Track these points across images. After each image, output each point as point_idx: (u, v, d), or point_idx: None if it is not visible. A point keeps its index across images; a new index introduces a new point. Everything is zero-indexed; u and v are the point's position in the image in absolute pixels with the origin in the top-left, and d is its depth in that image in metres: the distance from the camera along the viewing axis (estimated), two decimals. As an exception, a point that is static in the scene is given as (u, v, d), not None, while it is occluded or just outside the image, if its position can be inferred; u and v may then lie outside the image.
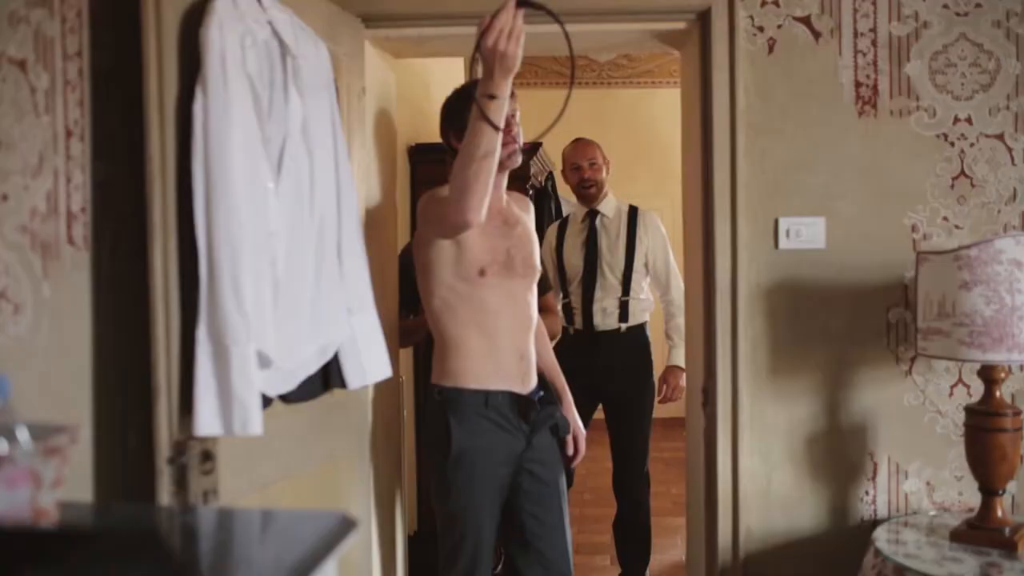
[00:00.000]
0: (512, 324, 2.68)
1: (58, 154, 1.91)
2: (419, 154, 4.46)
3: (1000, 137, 2.87)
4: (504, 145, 2.47)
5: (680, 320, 4.06)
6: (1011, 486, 2.68)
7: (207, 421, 1.99)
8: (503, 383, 2.66)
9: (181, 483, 1.99)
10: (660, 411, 4.31)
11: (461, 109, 2.61)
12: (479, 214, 2.39)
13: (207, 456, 2.06)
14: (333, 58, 2.53)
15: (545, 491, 2.75)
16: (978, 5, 2.85)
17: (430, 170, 4.29)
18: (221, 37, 2.02)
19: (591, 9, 2.91)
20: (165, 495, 1.98)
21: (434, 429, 2.71)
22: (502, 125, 2.23)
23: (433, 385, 2.73)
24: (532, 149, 4.38)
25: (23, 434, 1.09)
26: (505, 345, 2.67)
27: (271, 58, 2.22)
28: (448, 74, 5.27)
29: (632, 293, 4.20)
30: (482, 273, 2.62)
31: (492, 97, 2.18)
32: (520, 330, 2.72)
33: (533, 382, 2.77)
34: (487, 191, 2.37)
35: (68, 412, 1.93)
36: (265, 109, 2.18)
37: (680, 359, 4.09)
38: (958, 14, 2.85)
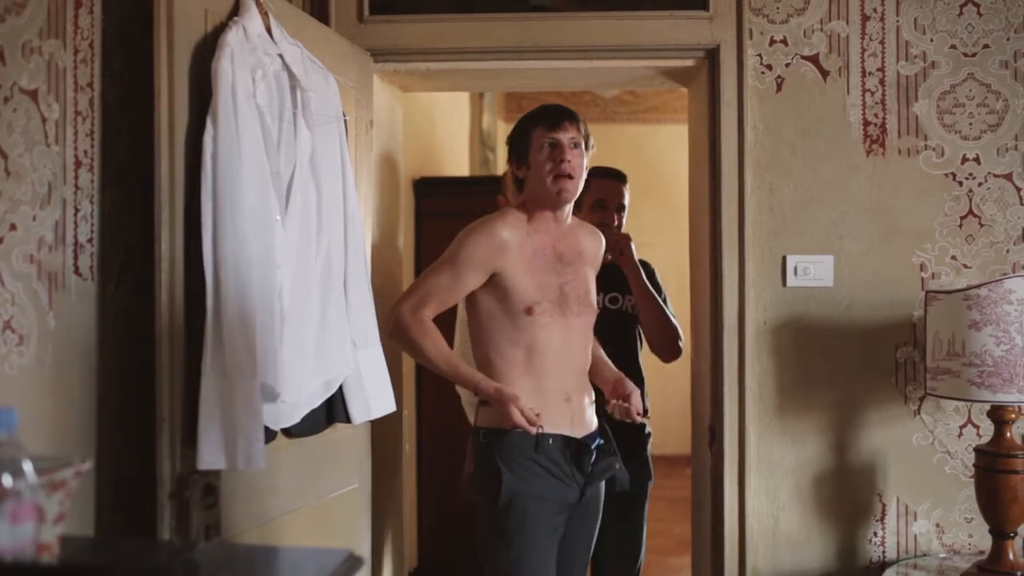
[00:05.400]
0: (559, 364, 2.44)
1: (67, 184, 1.91)
2: (424, 187, 4.46)
3: (1008, 177, 2.86)
4: (556, 178, 2.39)
5: None
6: (1022, 529, 2.64)
7: (210, 455, 1.97)
8: (551, 426, 2.39)
9: (183, 518, 1.97)
10: (662, 448, 3.75)
11: (517, 141, 2.49)
12: (385, 328, 2.45)
13: (209, 490, 2.03)
14: (342, 91, 2.53)
15: (579, 543, 2.53)
16: (986, 46, 2.86)
17: (435, 203, 4.29)
18: (232, 69, 2.02)
19: (600, 46, 2.93)
20: (166, 530, 1.95)
21: (483, 473, 2.45)
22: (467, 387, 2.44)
23: (477, 428, 2.48)
24: None
25: (28, 468, 1.07)
26: (551, 386, 2.42)
27: (281, 90, 2.23)
28: (453, 108, 5.29)
29: None
30: (529, 311, 2.39)
31: (475, 391, 2.39)
32: (569, 371, 2.47)
33: (587, 427, 2.49)
34: (408, 352, 2.52)
35: (70, 444, 1.90)
36: (274, 141, 2.18)
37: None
38: (966, 54, 2.86)
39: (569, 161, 2.41)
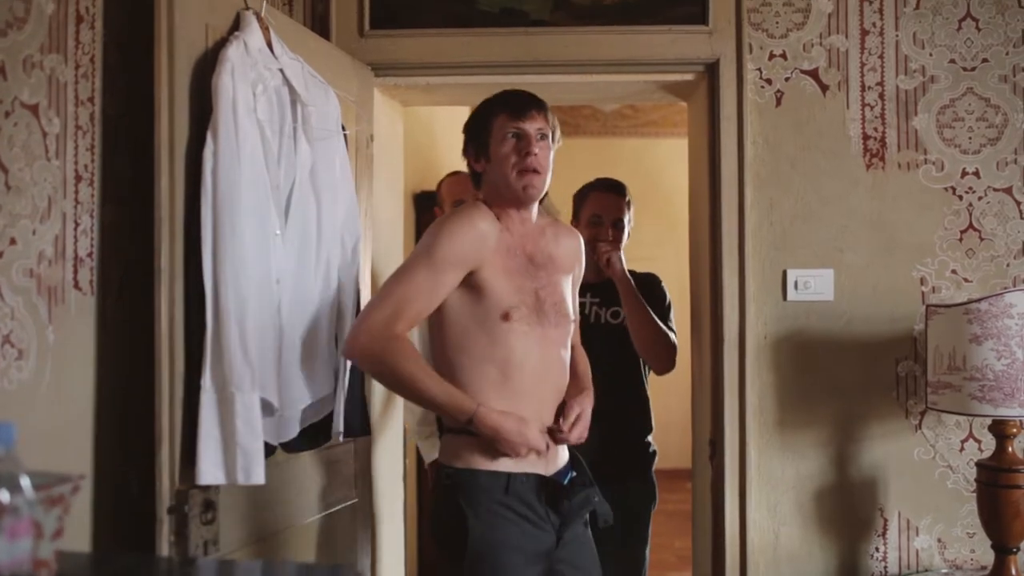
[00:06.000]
0: (537, 383, 2.15)
1: (67, 198, 1.91)
2: (424, 201, 4.46)
3: (1008, 191, 2.87)
4: (520, 173, 2.14)
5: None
6: (1024, 544, 2.63)
7: (209, 470, 1.96)
8: (527, 463, 2.12)
9: (181, 533, 1.96)
10: (663, 462, 3.66)
11: (477, 129, 2.24)
12: (349, 352, 2.13)
13: (208, 505, 2.02)
14: (342, 105, 2.54)
15: None
16: (985, 60, 2.86)
17: (434, 218, 4.28)
18: (233, 84, 2.03)
19: (600, 60, 2.93)
20: (165, 545, 1.94)
21: (444, 521, 2.14)
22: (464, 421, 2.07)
23: (441, 466, 2.19)
24: None
25: (26, 484, 1.06)
26: (530, 411, 2.12)
27: (282, 105, 2.23)
28: (454, 123, 5.30)
29: None
30: (506, 317, 2.10)
31: (468, 422, 2.07)
32: (549, 392, 2.19)
33: (561, 460, 2.22)
34: (379, 379, 2.23)
35: (68, 459, 1.90)
36: (275, 155, 2.19)
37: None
38: (965, 69, 2.87)
39: (536, 154, 2.15)
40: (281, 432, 2.23)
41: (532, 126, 2.16)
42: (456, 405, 2.07)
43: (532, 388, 2.15)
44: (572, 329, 2.30)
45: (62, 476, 1.19)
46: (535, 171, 2.15)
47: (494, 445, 2.08)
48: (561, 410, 2.20)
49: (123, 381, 2.06)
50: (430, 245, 2.10)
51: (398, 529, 3.28)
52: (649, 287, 3.07)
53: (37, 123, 1.82)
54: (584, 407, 2.22)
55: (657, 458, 3.14)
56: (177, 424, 1.98)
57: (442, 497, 2.16)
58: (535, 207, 2.26)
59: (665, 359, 3.01)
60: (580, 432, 2.19)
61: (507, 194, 2.18)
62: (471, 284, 2.11)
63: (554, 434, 2.16)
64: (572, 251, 2.34)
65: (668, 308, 3.12)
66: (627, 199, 3.13)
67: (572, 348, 2.34)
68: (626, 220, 3.10)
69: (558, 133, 2.24)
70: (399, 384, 2.13)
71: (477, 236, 2.10)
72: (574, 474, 2.23)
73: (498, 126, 2.18)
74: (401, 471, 3.34)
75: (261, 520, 2.25)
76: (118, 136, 2.07)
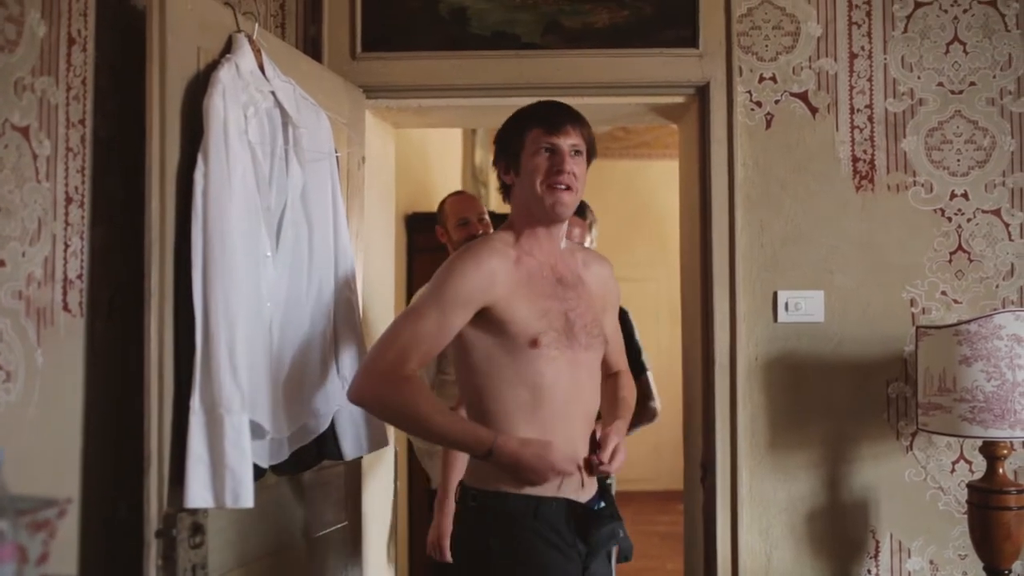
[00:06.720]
0: (568, 408, 2.07)
1: (57, 220, 1.90)
2: (416, 222, 4.48)
3: (997, 212, 2.88)
4: (550, 188, 2.06)
5: None
6: (1016, 566, 2.63)
7: (198, 492, 1.95)
8: (558, 487, 2.03)
9: (169, 557, 1.95)
10: (655, 483, 3.57)
11: (508, 140, 2.16)
12: (358, 396, 2.04)
13: (197, 529, 2.01)
14: (334, 127, 2.55)
15: None
16: (972, 83, 2.89)
17: (427, 238, 4.28)
18: (224, 106, 2.03)
19: (591, 83, 2.95)
20: (152, 569, 1.93)
21: (468, 547, 2.08)
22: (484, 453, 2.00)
23: (466, 488, 2.11)
24: None
25: (11, 508, 1.06)
26: (560, 436, 2.04)
27: (273, 127, 2.24)
28: (445, 145, 5.32)
29: None
30: (535, 344, 2.02)
31: (487, 455, 2.00)
32: (579, 418, 2.10)
33: (591, 488, 2.12)
34: (391, 421, 2.24)
35: (56, 482, 1.89)
36: (266, 178, 2.19)
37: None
38: (953, 92, 2.89)
39: (570, 172, 2.06)
40: (271, 454, 2.22)
41: (566, 142, 2.08)
42: (475, 438, 2.01)
43: (562, 412, 2.06)
44: (603, 351, 2.21)
45: (48, 500, 1.19)
46: (567, 188, 2.07)
47: (517, 478, 2.00)
48: (594, 438, 2.12)
49: (112, 403, 2.05)
50: (439, 285, 2.04)
51: (388, 553, 3.26)
52: (623, 322, 3.01)
53: (28, 145, 1.82)
54: (622, 436, 2.15)
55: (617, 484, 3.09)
56: (166, 446, 1.97)
57: (469, 520, 2.09)
58: (564, 226, 2.18)
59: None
60: (620, 462, 2.10)
61: (536, 210, 2.09)
62: (489, 319, 2.04)
63: (592, 465, 2.08)
64: (602, 278, 2.26)
65: (638, 346, 3.08)
66: (588, 221, 3.12)
67: (619, 374, 2.32)
68: (587, 242, 3.07)
69: (594, 147, 2.17)
70: (413, 425, 2.13)
71: (486, 275, 2.03)
72: (602, 504, 2.13)
73: (531, 139, 2.09)
74: (392, 494, 3.32)
75: (250, 544, 2.23)
76: (110, 158, 2.07)
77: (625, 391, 2.30)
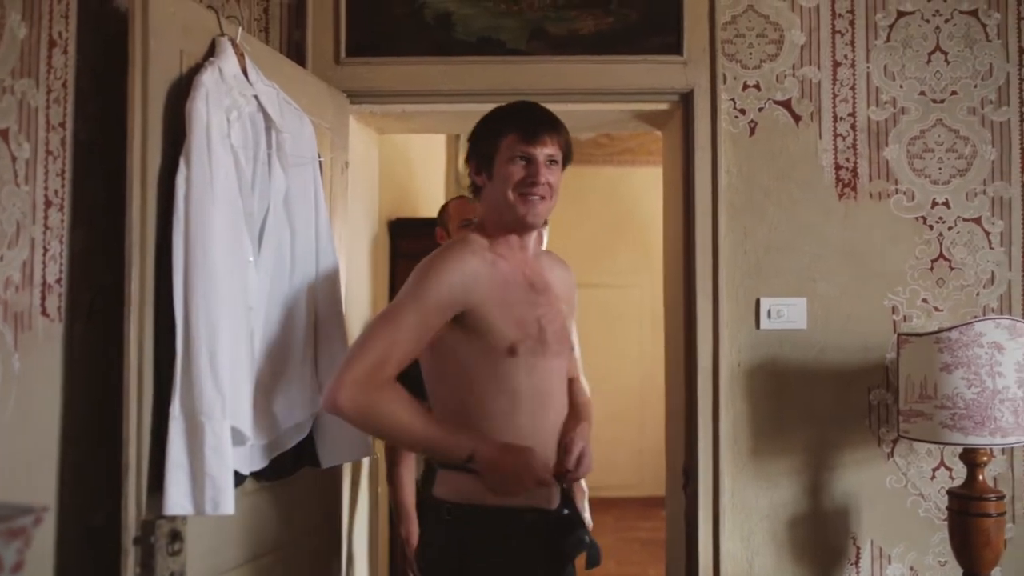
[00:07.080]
0: (541, 417, 2.04)
1: (36, 224, 1.89)
2: (400, 228, 4.46)
3: (978, 221, 2.90)
4: (523, 197, 2.02)
5: None
6: (995, 572, 2.64)
7: (177, 499, 1.93)
8: (531, 497, 1.99)
9: (147, 564, 1.93)
10: (637, 490, 3.53)
11: (482, 143, 2.12)
12: (332, 406, 1.90)
13: (175, 536, 1.99)
14: (318, 132, 2.53)
15: None
16: (954, 92, 2.91)
17: (410, 244, 4.27)
18: (207, 110, 2.02)
19: (576, 89, 2.95)
20: (131, 576, 1.91)
21: (441, 563, 2.03)
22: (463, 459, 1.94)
23: (438, 501, 2.06)
24: None
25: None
26: (536, 444, 2.01)
27: (256, 131, 2.23)
28: (429, 150, 5.30)
29: None
30: (512, 352, 1.98)
31: (467, 460, 1.94)
32: (551, 426, 2.07)
33: (557, 495, 2.09)
34: (368, 431, 2.13)
35: (32, 489, 1.87)
36: (248, 182, 2.18)
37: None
38: (934, 101, 2.91)
39: (545, 183, 2.03)
40: (252, 461, 2.20)
41: (543, 152, 2.04)
42: (455, 444, 1.95)
43: (538, 420, 2.03)
44: (570, 358, 2.20)
45: (24, 507, 1.17)
46: (541, 198, 2.04)
47: (497, 485, 1.94)
48: (559, 445, 2.07)
49: (92, 408, 2.04)
50: (418, 286, 1.98)
51: (372, 559, 3.24)
52: None
53: (6, 148, 1.80)
54: (586, 440, 2.10)
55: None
56: (145, 452, 1.95)
57: (441, 534, 2.04)
58: (534, 235, 2.14)
59: None
60: (586, 468, 2.06)
61: (507, 217, 2.06)
62: (468, 324, 1.99)
63: (561, 475, 2.03)
64: (566, 282, 2.25)
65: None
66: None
67: (574, 379, 2.28)
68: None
69: (570, 152, 2.12)
70: (391, 434, 2.07)
71: (467, 276, 1.98)
72: (566, 511, 2.09)
73: (506, 145, 2.05)
74: (373, 500, 3.31)
75: (229, 551, 2.22)
76: (90, 161, 2.05)
77: (583, 396, 2.27)
